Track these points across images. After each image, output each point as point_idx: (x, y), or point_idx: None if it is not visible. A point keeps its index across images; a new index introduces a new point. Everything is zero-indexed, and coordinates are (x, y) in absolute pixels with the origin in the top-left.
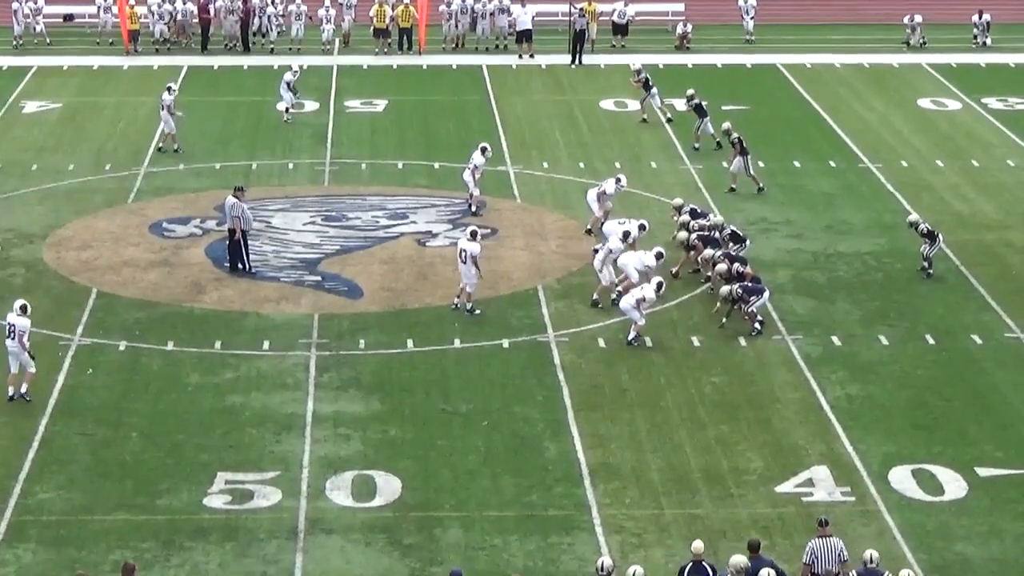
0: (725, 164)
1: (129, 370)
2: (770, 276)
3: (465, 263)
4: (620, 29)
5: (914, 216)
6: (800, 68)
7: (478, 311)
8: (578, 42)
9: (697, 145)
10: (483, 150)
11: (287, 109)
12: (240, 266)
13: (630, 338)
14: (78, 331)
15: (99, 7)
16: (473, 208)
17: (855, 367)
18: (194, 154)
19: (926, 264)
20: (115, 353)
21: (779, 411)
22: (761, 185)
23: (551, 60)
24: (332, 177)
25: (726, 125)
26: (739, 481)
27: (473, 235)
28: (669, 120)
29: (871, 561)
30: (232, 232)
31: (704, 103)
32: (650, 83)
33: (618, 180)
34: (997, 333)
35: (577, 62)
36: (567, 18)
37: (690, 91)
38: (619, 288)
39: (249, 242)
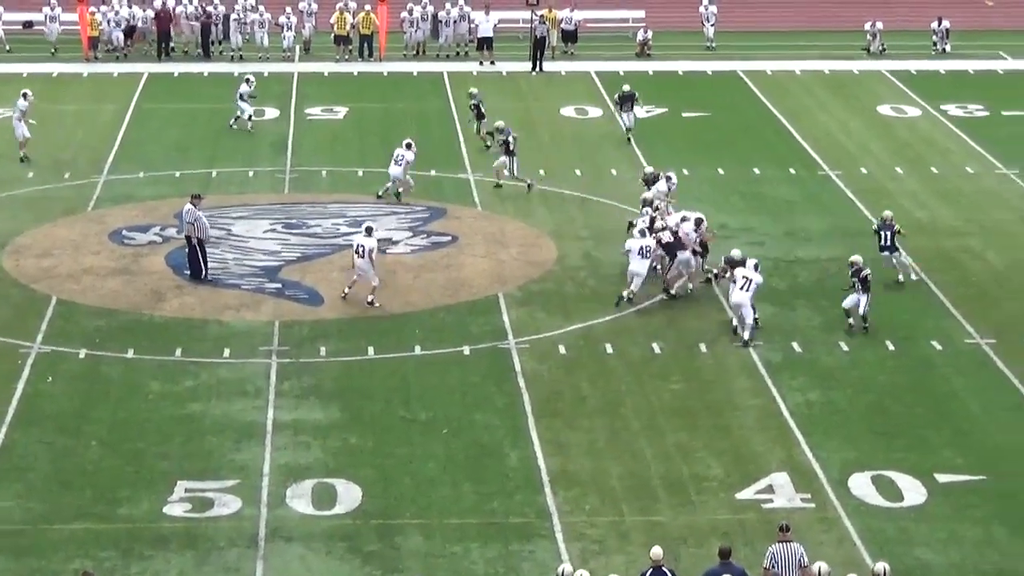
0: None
1: (89, 378)
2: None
3: (363, 257)
4: (569, 36)
5: (856, 256)
6: (761, 75)
7: (378, 304)
8: (538, 49)
9: (489, 144)
10: (408, 146)
11: (249, 117)
12: (199, 274)
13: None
14: (38, 339)
15: (46, 16)
16: (400, 191)
17: (815, 373)
18: (154, 162)
19: (853, 321)
20: (75, 361)
21: (739, 418)
22: (530, 182)
23: (512, 67)
24: (293, 185)
25: (499, 123)
26: (699, 488)
27: (369, 231)
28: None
29: (819, 574)
30: (189, 239)
31: (482, 104)
32: (482, 111)
33: (668, 178)
34: (957, 339)
35: (538, 69)
36: (528, 25)
37: (473, 90)
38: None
39: (208, 250)
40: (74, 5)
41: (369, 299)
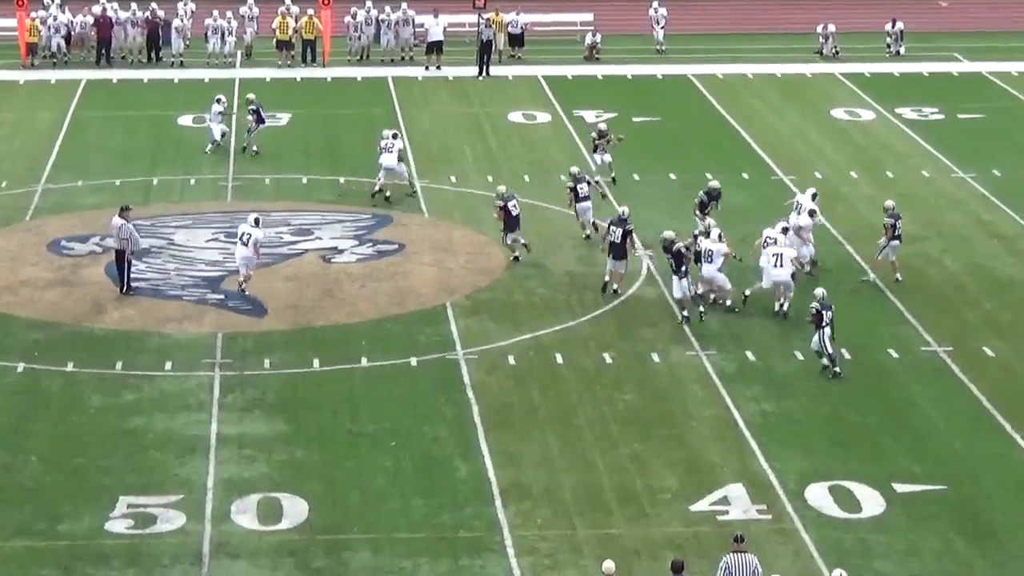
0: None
1: (28, 392)
2: None
3: (246, 245)
4: (516, 40)
5: (819, 291)
6: (712, 79)
7: (248, 292)
8: (485, 53)
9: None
10: (395, 136)
11: (223, 135)
12: (122, 289)
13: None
14: None
15: None
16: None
17: (770, 383)
18: (94, 170)
19: (827, 362)
20: (13, 375)
21: (693, 428)
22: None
23: (458, 72)
24: (235, 192)
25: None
26: (653, 500)
27: (256, 222)
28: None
29: None
30: (121, 253)
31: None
32: (262, 116)
33: (812, 208)
34: (913, 347)
35: (484, 73)
36: (474, 29)
37: (250, 95)
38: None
39: (143, 261)
40: (9, 11)
41: (242, 286)
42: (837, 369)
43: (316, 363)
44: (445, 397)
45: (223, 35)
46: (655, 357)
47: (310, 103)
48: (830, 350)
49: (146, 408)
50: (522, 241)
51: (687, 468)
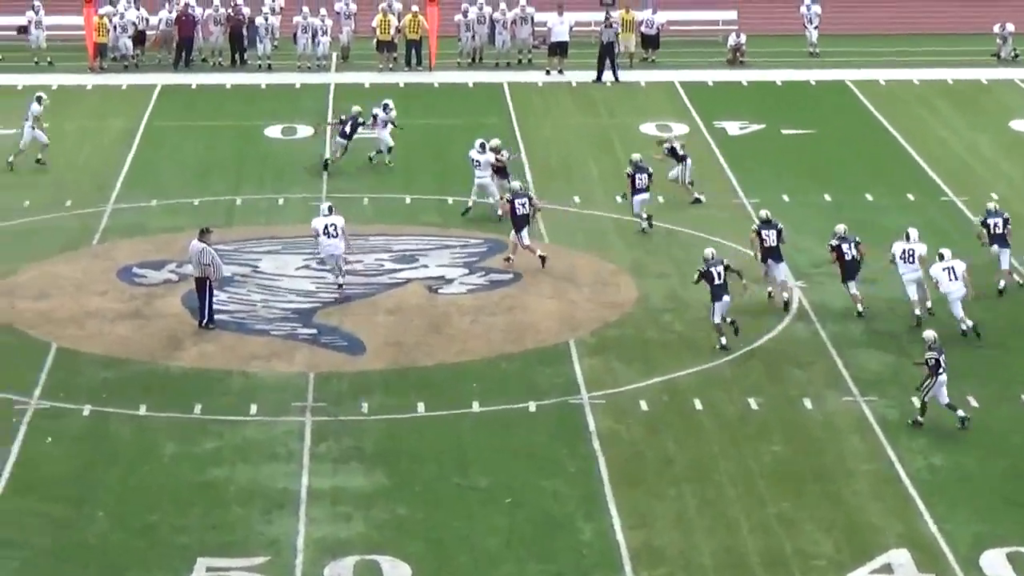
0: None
1: (94, 438)
2: (839, 327)
3: (337, 236)
4: (650, 41)
5: (931, 333)
6: (872, 85)
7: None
8: (606, 56)
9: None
10: (385, 107)
11: (389, 150)
12: (202, 322)
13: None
14: (35, 393)
15: (30, 21)
16: (500, 213)
17: (939, 433)
18: (169, 188)
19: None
20: (78, 418)
21: (851, 484)
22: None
23: (583, 77)
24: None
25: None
26: (805, 567)
27: (331, 209)
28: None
29: None
30: (202, 281)
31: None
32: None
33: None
34: None
35: (611, 79)
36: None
37: (387, 101)
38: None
39: (225, 291)
40: (75, 6)
41: (341, 285)
42: (962, 413)
43: (421, 408)
44: (567, 447)
45: (315, 35)
46: (807, 403)
47: (414, 112)
48: (945, 400)
49: (228, 458)
50: (526, 243)
51: (844, 530)
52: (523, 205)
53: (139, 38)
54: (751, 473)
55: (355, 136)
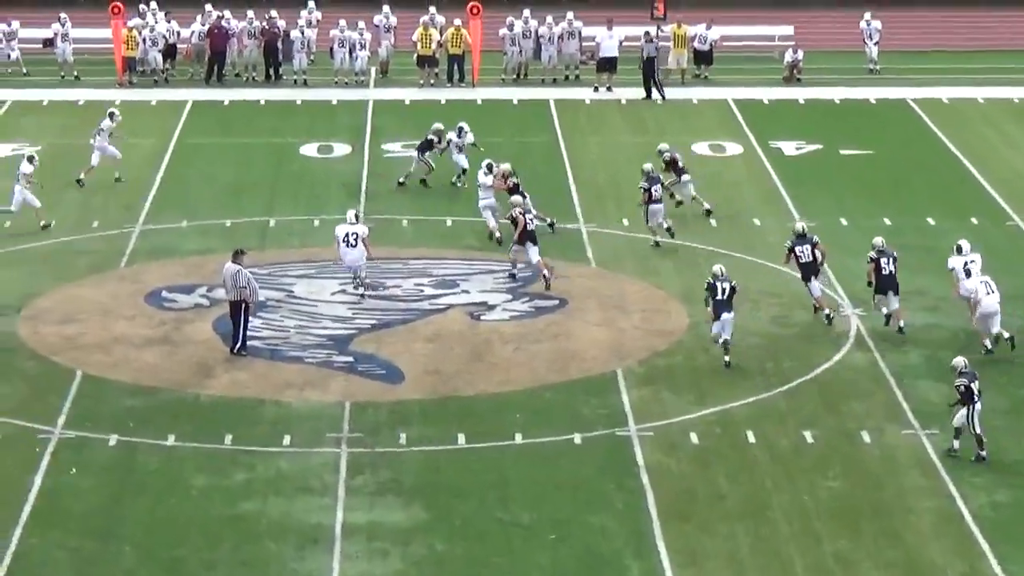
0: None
1: (121, 469)
2: (899, 357)
3: (355, 247)
4: (703, 57)
5: (961, 360)
6: (935, 103)
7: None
8: (648, 73)
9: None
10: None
11: (463, 172)
12: (235, 347)
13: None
14: (59, 422)
15: (56, 34)
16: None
17: (1003, 468)
18: (200, 208)
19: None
20: (104, 449)
21: (911, 522)
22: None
23: (632, 94)
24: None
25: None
26: None
27: (357, 217)
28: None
29: None
30: (237, 305)
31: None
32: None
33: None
34: None
35: (655, 96)
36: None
37: (462, 124)
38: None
39: (258, 316)
40: (102, 19)
41: (361, 288)
42: (983, 453)
43: (461, 439)
44: (614, 482)
45: (353, 49)
46: (865, 436)
47: (455, 128)
48: (978, 430)
49: (259, 490)
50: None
51: (903, 570)
52: (531, 221)
53: (169, 52)
54: (806, 510)
55: (428, 154)
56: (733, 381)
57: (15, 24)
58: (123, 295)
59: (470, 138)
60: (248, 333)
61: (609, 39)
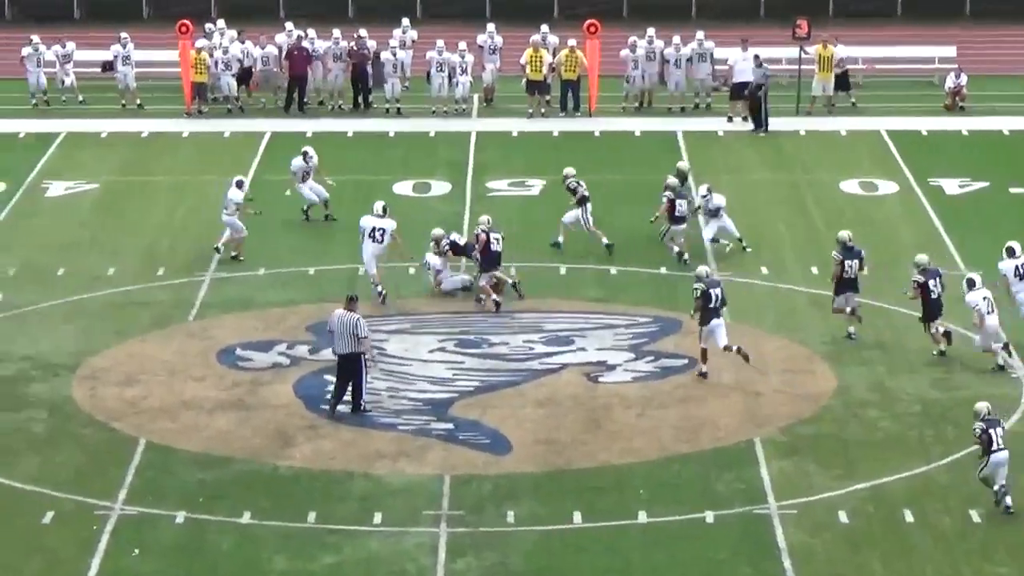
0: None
1: (190, 550)
2: None
3: (380, 242)
4: (840, 83)
5: (983, 405)
6: None
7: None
8: (757, 102)
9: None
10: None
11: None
12: (357, 405)
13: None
14: (120, 496)
15: (116, 56)
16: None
17: None
18: (279, 254)
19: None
20: (171, 527)
21: None
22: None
23: (772, 124)
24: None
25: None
26: None
27: (384, 210)
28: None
29: None
30: (352, 360)
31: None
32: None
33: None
34: None
35: (762, 128)
36: (794, 67)
37: (569, 170)
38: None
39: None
40: (169, 40)
41: (379, 290)
42: (1010, 503)
43: (577, 518)
44: (751, 566)
45: (453, 73)
46: None
47: (571, 165)
48: (998, 482)
49: (348, 574)
50: (510, 281)
51: None
52: (497, 241)
53: (244, 76)
54: None
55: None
56: (888, 452)
57: (70, 46)
58: (192, 353)
59: (584, 190)
60: (328, 398)
61: (744, 61)
